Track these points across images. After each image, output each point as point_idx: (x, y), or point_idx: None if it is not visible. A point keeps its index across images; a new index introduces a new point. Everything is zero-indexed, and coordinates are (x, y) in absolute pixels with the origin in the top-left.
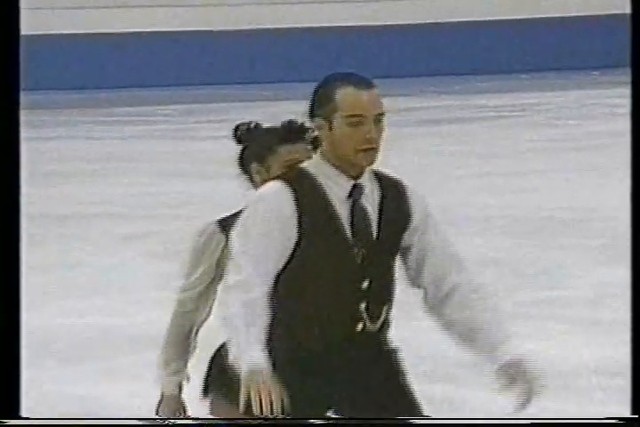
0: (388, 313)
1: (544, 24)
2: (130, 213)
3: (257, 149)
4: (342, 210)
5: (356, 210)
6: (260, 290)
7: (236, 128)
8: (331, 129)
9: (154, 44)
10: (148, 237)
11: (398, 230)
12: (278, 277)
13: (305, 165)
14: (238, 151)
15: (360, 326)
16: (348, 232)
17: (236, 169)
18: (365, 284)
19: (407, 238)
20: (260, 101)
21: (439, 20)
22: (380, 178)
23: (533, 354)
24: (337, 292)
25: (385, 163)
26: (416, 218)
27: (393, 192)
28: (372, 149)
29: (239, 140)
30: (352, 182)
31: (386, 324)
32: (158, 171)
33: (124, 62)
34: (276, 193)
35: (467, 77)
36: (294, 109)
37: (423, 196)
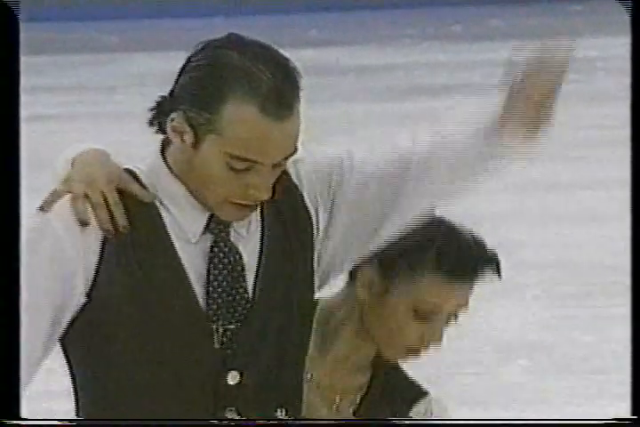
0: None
1: None
2: None
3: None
4: (192, 256)
5: (219, 253)
6: None
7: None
8: (195, 147)
9: None
10: None
11: (298, 274)
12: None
13: (139, 167)
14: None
15: None
16: (200, 294)
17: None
18: (233, 378)
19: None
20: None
21: None
22: None
23: None
24: (177, 394)
25: None
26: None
27: (283, 207)
28: (253, 206)
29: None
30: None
31: None
32: None
33: None
34: (54, 225)
35: (472, 9)
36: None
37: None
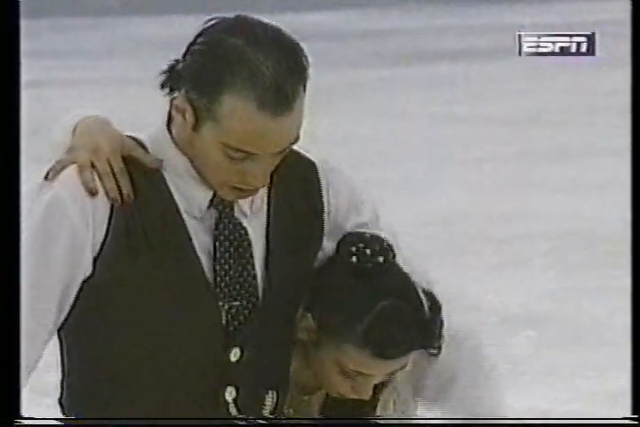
0: (278, 405)
1: None
2: None
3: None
4: (198, 231)
5: (224, 230)
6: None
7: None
8: (195, 130)
9: None
10: None
11: (305, 252)
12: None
13: (144, 137)
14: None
15: None
16: (208, 269)
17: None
18: (234, 355)
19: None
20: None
21: None
22: None
23: None
24: (181, 370)
25: (328, 141)
26: (337, 219)
27: (293, 185)
28: (253, 190)
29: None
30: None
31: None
32: None
33: None
34: (62, 197)
35: None
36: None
37: (347, 179)
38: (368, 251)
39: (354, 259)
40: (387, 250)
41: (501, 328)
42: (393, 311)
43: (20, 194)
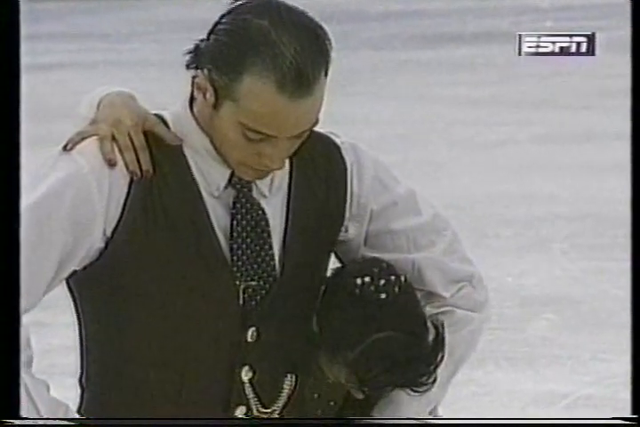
0: (297, 389)
1: None
2: None
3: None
4: (216, 210)
5: (241, 209)
6: None
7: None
8: (215, 109)
9: None
10: None
11: (325, 234)
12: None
13: (166, 114)
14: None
15: (241, 409)
16: (226, 248)
17: None
18: (251, 335)
19: (350, 232)
20: None
21: None
22: None
23: None
24: (197, 349)
25: (348, 123)
26: (360, 200)
27: (315, 167)
28: (269, 171)
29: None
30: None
31: (296, 405)
32: None
33: None
34: (81, 165)
35: None
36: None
37: (374, 159)
38: (372, 287)
39: (357, 291)
40: (392, 285)
41: (521, 311)
42: (384, 345)
43: (19, 179)
